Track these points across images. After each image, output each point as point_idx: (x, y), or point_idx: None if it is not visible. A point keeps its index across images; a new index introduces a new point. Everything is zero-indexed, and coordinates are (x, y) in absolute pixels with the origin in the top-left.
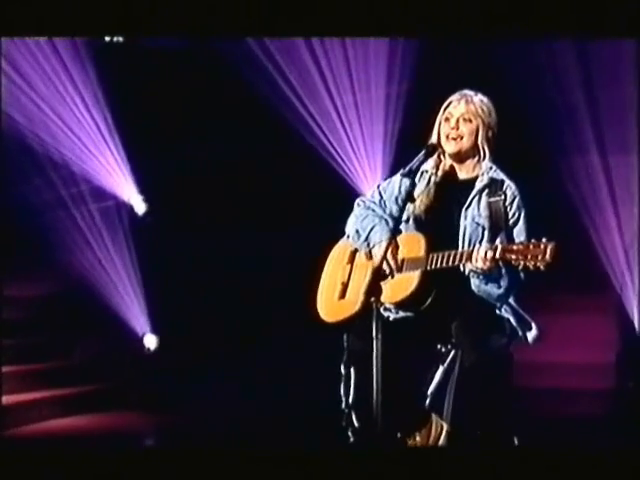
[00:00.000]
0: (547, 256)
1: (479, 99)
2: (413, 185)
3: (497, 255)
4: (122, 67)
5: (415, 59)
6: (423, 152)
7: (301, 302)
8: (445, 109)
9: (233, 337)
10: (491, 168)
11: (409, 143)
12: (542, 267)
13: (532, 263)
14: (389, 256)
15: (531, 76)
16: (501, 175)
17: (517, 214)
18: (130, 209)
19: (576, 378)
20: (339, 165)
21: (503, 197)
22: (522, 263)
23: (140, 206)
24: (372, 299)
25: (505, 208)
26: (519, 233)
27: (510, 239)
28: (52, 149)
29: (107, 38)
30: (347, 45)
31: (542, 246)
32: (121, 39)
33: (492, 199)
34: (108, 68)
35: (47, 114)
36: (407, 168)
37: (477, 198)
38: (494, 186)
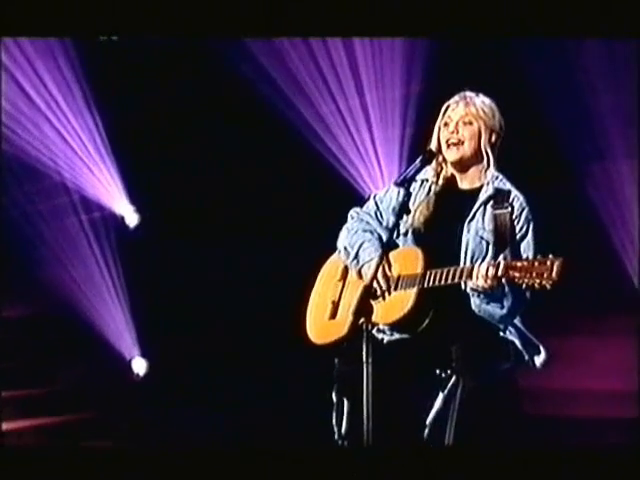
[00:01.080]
0: (553, 274)
1: (480, 100)
2: (408, 195)
3: (499, 273)
4: (114, 69)
5: (431, 59)
6: (420, 159)
7: (295, 323)
8: (444, 113)
9: (227, 361)
10: (497, 177)
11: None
12: (548, 286)
13: (537, 281)
14: (379, 275)
15: (550, 78)
16: (508, 185)
17: (525, 228)
18: (120, 221)
19: (592, 407)
20: (346, 171)
21: (510, 209)
22: (526, 281)
23: (131, 217)
24: (361, 320)
25: (512, 221)
26: (527, 249)
27: (517, 255)
28: (33, 156)
29: (97, 39)
30: (356, 45)
31: (548, 263)
32: (112, 40)
33: (498, 211)
34: (99, 70)
35: (28, 117)
36: (401, 176)
37: (481, 210)
38: (500, 197)
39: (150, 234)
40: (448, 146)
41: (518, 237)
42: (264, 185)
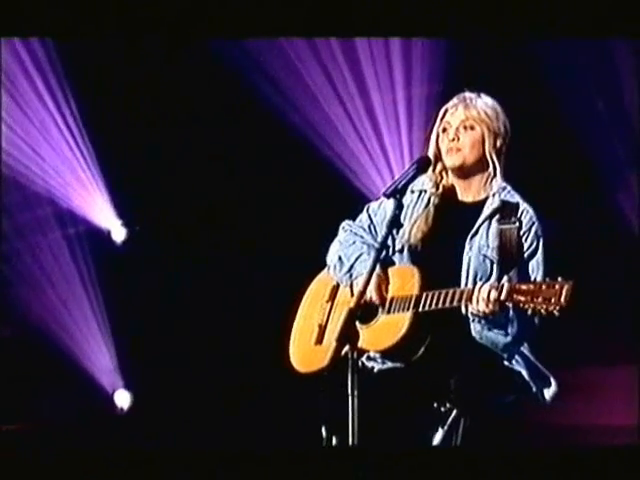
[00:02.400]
0: (562, 299)
1: (482, 102)
2: (400, 207)
3: (502, 296)
4: (102, 76)
5: (440, 59)
6: (414, 167)
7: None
8: (442, 118)
9: (217, 392)
10: (504, 188)
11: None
12: (556, 312)
13: (544, 307)
14: (374, 292)
15: (567, 80)
16: (516, 197)
17: (534, 245)
18: (106, 236)
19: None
20: (354, 176)
21: (517, 224)
22: (532, 306)
23: (118, 232)
24: (347, 347)
25: (519, 238)
26: (535, 269)
27: (524, 276)
28: (7, 164)
29: (80, 40)
30: (365, 45)
31: (557, 287)
32: (98, 41)
33: (504, 226)
34: (85, 77)
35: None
36: (392, 186)
37: (485, 225)
38: (507, 210)
39: (138, 251)
40: (449, 154)
41: (526, 256)
42: (263, 198)
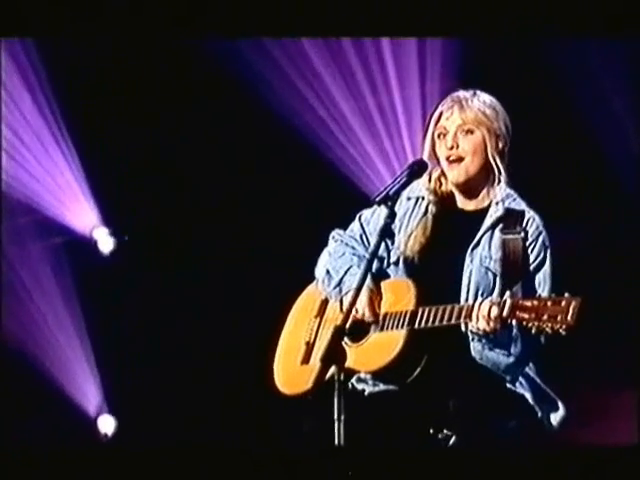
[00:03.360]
0: (569, 317)
1: (479, 101)
2: (391, 216)
3: (504, 313)
4: (81, 70)
5: (449, 58)
6: (407, 172)
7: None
8: (436, 122)
9: (203, 418)
10: (508, 195)
11: None
12: (562, 331)
13: (549, 325)
14: (365, 308)
15: (584, 80)
16: (522, 204)
17: (541, 257)
18: (92, 246)
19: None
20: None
21: (523, 234)
22: (536, 325)
23: (106, 242)
24: (333, 367)
25: (525, 249)
26: (542, 283)
27: (530, 290)
28: None
29: (63, 40)
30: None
31: (563, 303)
32: (82, 41)
33: (508, 236)
34: (65, 72)
35: None
36: (383, 193)
37: (488, 235)
38: (511, 219)
39: (128, 263)
40: (449, 164)
41: (532, 268)
42: (257, 206)
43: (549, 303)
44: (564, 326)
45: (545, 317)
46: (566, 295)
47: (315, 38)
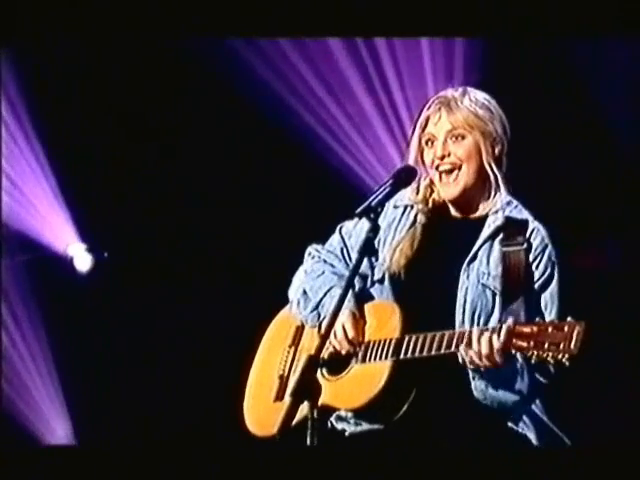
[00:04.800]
0: (572, 344)
1: (469, 100)
2: (374, 229)
3: (500, 342)
4: (57, 78)
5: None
6: (391, 180)
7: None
8: (423, 128)
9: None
10: (509, 203)
11: None
12: (565, 360)
13: (550, 354)
14: (344, 335)
15: (599, 82)
16: (524, 213)
17: (547, 273)
18: (68, 264)
19: None
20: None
21: (526, 246)
22: (535, 354)
23: (83, 259)
24: (306, 403)
25: (529, 264)
26: (549, 303)
27: (534, 312)
28: None
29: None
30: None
31: (566, 329)
32: (57, 50)
33: (509, 249)
34: (40, 81)
35: None
36: (366, 203)
37: (486, 247)
38: (513, 229)
39: (107, 283)
40: (441, 177)
41: (537, 286)
42: (246, 221)
43: (550, 329)
44: (567, 355)
45: (546, 345)
46: (569, 319)
47: (316, 38)
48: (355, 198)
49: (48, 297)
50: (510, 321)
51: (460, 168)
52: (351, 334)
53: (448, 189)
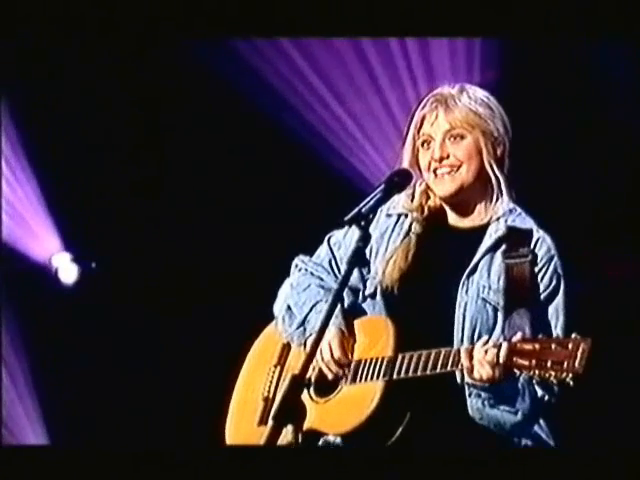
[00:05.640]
0: (577, 363)
1: (469, 97)
2: (365, 238)
3: (500, 360)
4: (39, 79)
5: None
6: (383, 185)
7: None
8: (418, 129)
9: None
10: (512, 210)
11: None
12: (569, 380)
13: (552, 373)
14: (332, 353)
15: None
16: (528, 222)
17: (553, 286)
18: (52, 275)
19: None
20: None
21: (530, 257)
22: (537, 372)
23: (68, 270)
24: (289, 427)
25: (533, 276)
26: (554, 317)
27: (539, 328)
28: None
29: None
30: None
31: (570, 346)
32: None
33: (512, 260)
34: (21, 87)
35: None
36: (354, 211)
37: (487, 259)
38: (516, 239)
39: (94, 295)
40: (437, 178)
41: (543, 299)
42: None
43: (553, 346)
44: (571, 374)
45: (548, 363)
46: (573, 336)
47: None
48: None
49: (29, 312)
50: (512, 337)
51: (459, 170)
52: (339, 353)
53: (443, 185)
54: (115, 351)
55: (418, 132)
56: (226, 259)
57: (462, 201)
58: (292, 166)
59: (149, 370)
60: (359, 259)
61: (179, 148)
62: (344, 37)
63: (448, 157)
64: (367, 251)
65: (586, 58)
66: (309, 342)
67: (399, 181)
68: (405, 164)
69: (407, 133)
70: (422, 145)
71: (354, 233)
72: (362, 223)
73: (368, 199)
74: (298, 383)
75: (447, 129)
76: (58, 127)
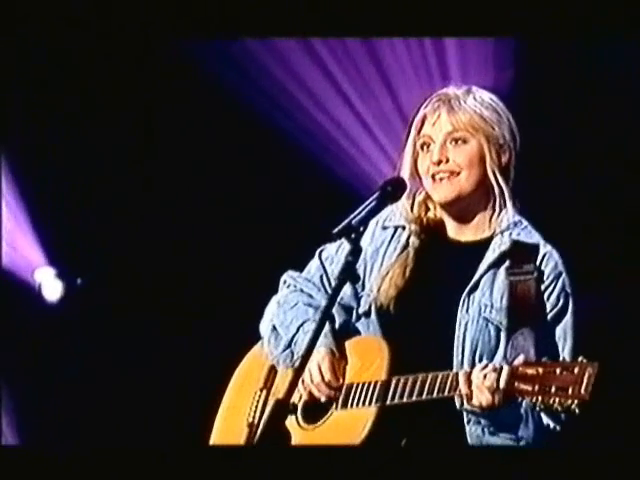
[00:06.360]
0: (583, 389)
1: (475, 99)
2: (355, 252)
3: (501, 384)
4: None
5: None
6: (376, 195)
7: None
8: (419, 130)
9: None
10: (516, 223)
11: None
12: (575, 407)
13: (557, 400)
14: (321, 376)
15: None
16: (535, 236)
17: (561, 305)
18: (35, 291)
19: None
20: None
21: (536, 275)
22: (540, 399)
23: (52, 286)
24: None
25: (539, 294)
26: (562, 339)
27: (545, 350)
28: None
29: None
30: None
31: (576, 370)
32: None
33: (516, 277)
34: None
35: None
36: (345, 222)
37: (489, 276)
38: (521, 255)
39: (80, 313)
40: (435, 183)
41: (549, 320)
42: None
43: (558, 370)
44: (577, 401)
45: (552, 389)
46: (580, 359)
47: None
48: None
49: (10, 331)
50: (514, 361)
51: (459, 176)
52: (328, 375)
53: (441, 191)
54: (100, 373)
55: (418, 133)
56: (212, 275)
57: (462, 210)
58: (282, 173)
59: (134, 391)
60: (349, 275)
61: (167, 166)
62: (356, 37)
63: (448, 161)
64: (361, 266)
65: (602, 62)
66: (296, 364)
67: (393, 191)
68: (404, 171)
69: (407, 136)
70: (421, 148)
71: (346, 247)
72: (352, 236)
73: (359, 210)
74: (282, 408)
75: (449, 131)
76: (42, 138)
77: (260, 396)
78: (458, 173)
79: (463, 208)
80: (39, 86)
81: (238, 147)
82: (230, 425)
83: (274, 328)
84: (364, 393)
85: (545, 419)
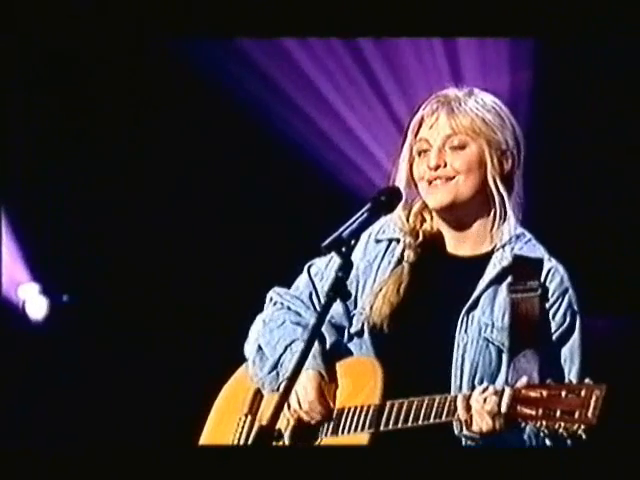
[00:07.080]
0: (589, 413)
1: (475, 102)
2: (346, 268)
3: (502, 410)
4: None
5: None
6: (369, 205)
7: None
8: (416, 133)
9: None
10: (519, 237)
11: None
12: (582, 432)
13: (562, 424)
14: (309, 401)
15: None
16: (538, 250)
17: (567, 324)
18: (19, 309)
19: None
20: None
21: (540, 291)
22: (544, 423)
23: (36, 304)
24: None
25: (544, 313)
26: (569, 360)
27: (550, 372)
28: None
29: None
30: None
31: (583, 393)
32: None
33: (519, 295)
34: None
35: None
36: (334, 235)
37: (490, 293)
38: (524, 270)
39: (65, 331)
40: (430, 188)
41: (554, 340)
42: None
43: (563, 393)
44: (583, 425)
45: (557, 413)
46: (587, 382)
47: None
48: None
49: None
50: (516, 383)
51: (456, 183)
52: (317, 400)
53: (435, 195)
54: (85, 393)
55: (415, 136)
56: (196, 293)
57: (460, 219)
58: (269, 183)
59: (119, 409)
60: (340, 291)
61: (150, 184)
62: (366, 37)
63: (445, 166)
64: (353, 282)
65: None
66: (281, 387)
67: (387, 201)
68: (400, 176)
69: (403, 142)
70: (418, 154)
71: (336, 262)
72: (343, 249)
73: (350, 222)
74: (266, 435)
75: (448, 134)
76: (26, 151)
77: (245, 422)
78: (454, 180)
79: (461, 217)
80: (32, 87)
81: (224, 155)
82: None
83: (259, 348)
84: (356, 418)
85: (549, 445)
